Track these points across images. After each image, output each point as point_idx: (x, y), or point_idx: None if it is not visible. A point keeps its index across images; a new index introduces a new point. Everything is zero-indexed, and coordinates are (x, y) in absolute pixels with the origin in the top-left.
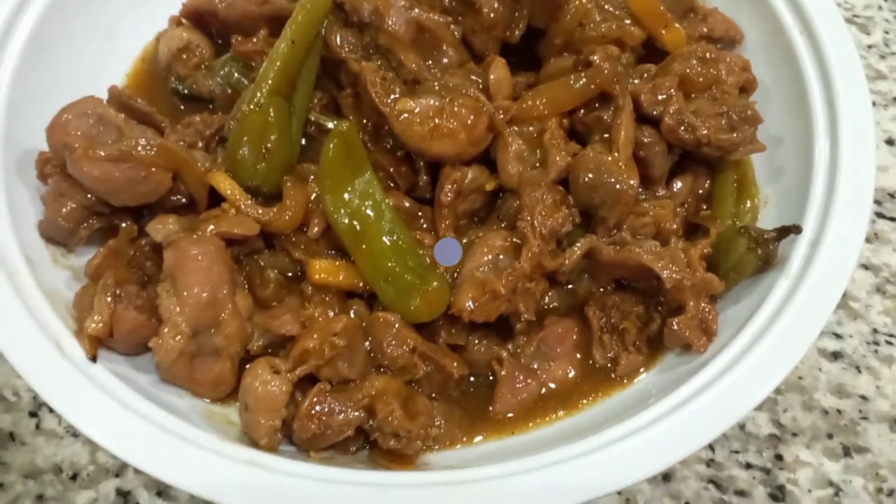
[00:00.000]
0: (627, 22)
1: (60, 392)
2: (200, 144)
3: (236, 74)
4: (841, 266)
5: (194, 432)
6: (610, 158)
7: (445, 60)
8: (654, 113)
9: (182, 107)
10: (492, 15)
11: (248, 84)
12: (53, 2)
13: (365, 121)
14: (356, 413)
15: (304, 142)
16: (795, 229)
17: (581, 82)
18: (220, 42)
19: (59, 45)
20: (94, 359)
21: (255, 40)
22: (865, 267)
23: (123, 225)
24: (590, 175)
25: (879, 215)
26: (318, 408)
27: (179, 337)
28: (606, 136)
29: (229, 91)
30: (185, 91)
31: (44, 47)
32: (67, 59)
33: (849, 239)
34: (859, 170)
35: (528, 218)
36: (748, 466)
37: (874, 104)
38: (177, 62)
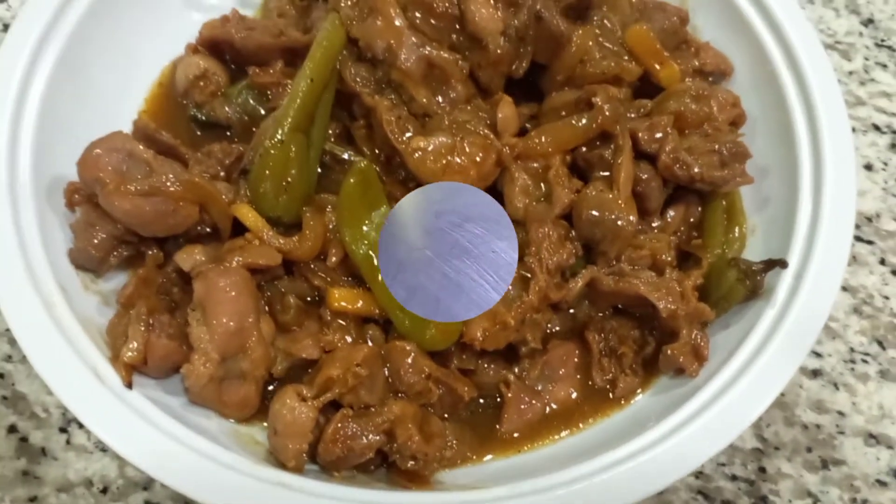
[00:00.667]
0: (626, 59)
1: (102, 419)
2: (222, 174)
3: (252, 102)
4: (823, 297)
5: (227, 455)
6: (611, 196)
7: (454, 95)
8: (651, 150)
9: (199, 132)
10: (498, 51)
11: (264, 112)
12: (77, 31)
13: (377, 151)
14: (377, 437)
15: (319, 170)
16: (781, 264)
17: (583, 122)
18: (233, 68)
19: (83, 72)
20: (129, 385)
21: (272, 72)
22: (844, 288)
23: (150, 252)
24: (593, 212)
25: (858, 238)
26: (342, 432)
27: (209, 364)
28: (606, 173)
29: (246, 118)
30: (203, 118)
31: (67, 76)
32: (90, 84)
33: (831, 271)
34: (841, 202)
35: (536, 253)
36: (734, 478)
37: (854, 130)
38: (194, 89)
